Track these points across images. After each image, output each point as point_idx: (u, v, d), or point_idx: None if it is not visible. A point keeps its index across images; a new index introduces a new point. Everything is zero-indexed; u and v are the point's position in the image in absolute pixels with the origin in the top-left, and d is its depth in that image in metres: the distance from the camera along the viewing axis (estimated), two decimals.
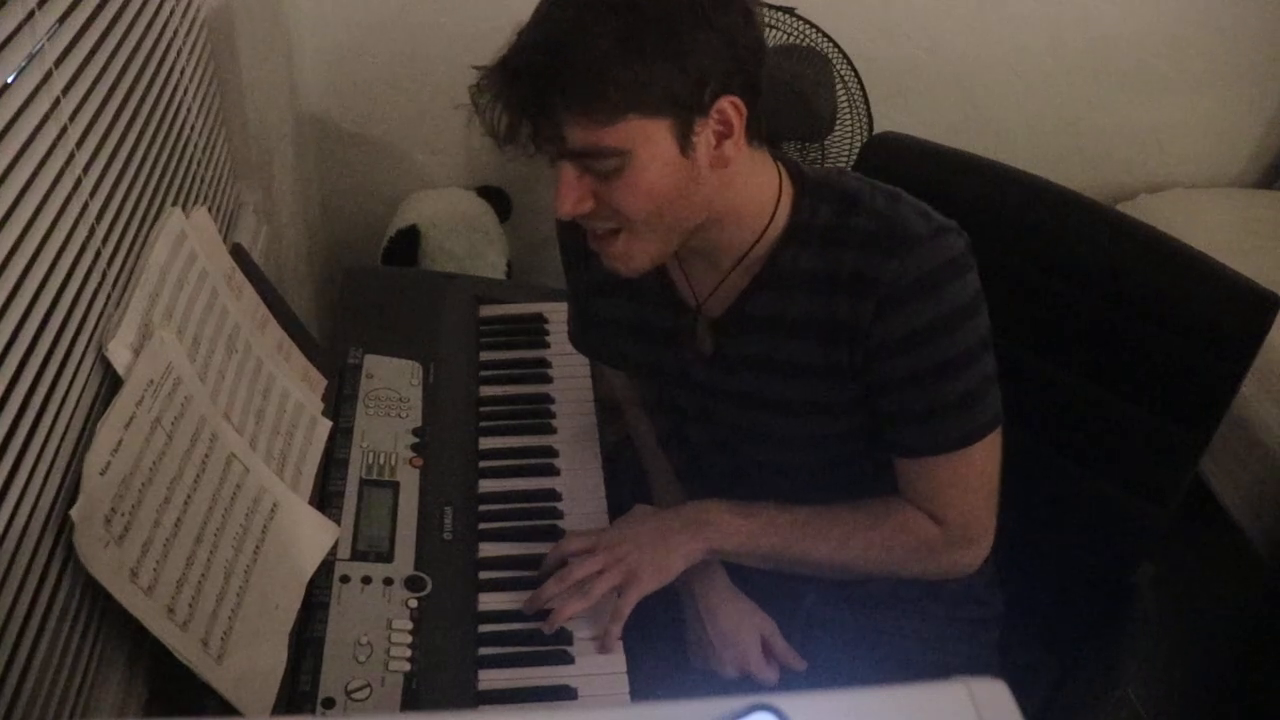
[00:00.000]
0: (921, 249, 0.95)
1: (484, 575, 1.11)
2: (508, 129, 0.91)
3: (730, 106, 0.91)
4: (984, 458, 1.03)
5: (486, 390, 1.35)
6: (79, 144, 0.98)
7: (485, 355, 1.40)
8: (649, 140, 0.89)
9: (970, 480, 1.04)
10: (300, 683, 0.97)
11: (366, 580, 1.06)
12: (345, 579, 1.06)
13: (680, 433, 1.20)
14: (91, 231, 1.01)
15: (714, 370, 1.09)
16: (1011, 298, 1.18)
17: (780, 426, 1.08)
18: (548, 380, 1.37)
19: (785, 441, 1.09)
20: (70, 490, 0.90)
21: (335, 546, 1.09)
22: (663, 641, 1.13)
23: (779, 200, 1.00)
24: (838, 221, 0.99)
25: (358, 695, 0.96)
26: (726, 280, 1.04)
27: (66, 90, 0.97)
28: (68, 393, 0.93)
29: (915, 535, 1.05)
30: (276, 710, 0.93)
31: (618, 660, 1.03)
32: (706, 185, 0.94)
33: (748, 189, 0.99)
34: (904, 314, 0.96)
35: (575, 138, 0.89)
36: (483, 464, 1.24)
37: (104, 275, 1.03)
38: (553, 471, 1.24)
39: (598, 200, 0.94)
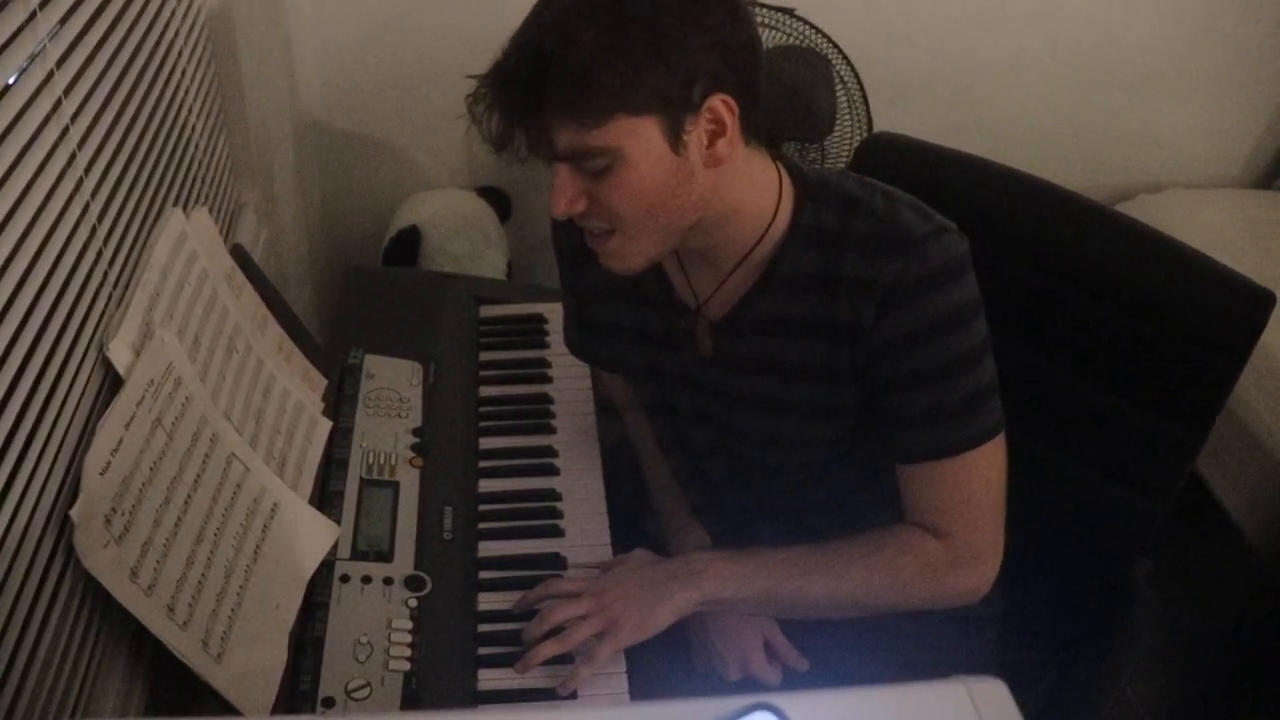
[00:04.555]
0: (922, 249, 0.95)
1: (484, 575, 1.11)
2: (501, 135, 0.92)
3: (721, 105, 0.91)
4: (987, 467, 1.01)
5: (486, 390, 1.35)
6: (80, 145, 0.99)
7: (485, 355, 1.41)
8: (638, 138, 0.89)
9: (973, 490, 1.02)
10: (300, 682, 0.97)
11: (366, 580, 1.06)
12: (345, 578, 1.06)
13: (679, 436, 1.20)
14: (93, 232, 1.01)
15: (714, 372, 1.09)
16: (1009, 297, 1.18)
17: (780, 428, 1.08)
18: (548, 380, 1.37)
19: (785, 443, 1.09)
20: (71, 490, 0.90)
21: (335, 546, 1.09)
22: (663, 641, 1.13)
23: (779, 202, 1.01)
24: (839, 225, 0.99)
25: (358, 695, 0.96)
26: (727, 282, 1.04)
27: (68, 91, 0.97)
28: (69, 393, 0.93)
29: (918, 555, 1.03)
30: (276, 710, 0.94)
31: (618, 660, 1.03)
32: (701, 184, 0.94)
33: (747, 190, 0.99)
34: (906, 314, 0.96)
35: (563, 141, 0.89)
36: (483, 464, 1.25)
37: (105, 276, 1.03)
38: (553, 471, 1.24)
39: (591, 200, 0.94)
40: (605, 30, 0.86)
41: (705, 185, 0.95)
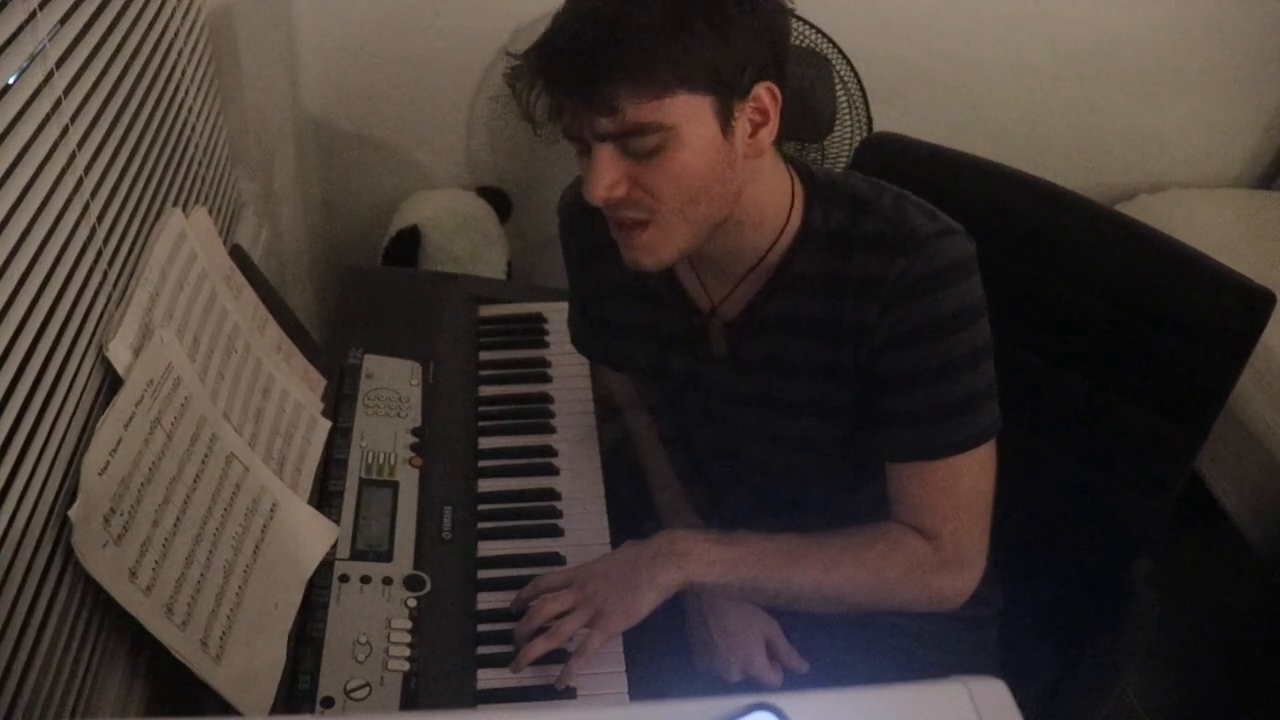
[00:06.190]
0: (927, 248, 0.95)
1: (483, 574, 1.11)
2: (546, 110, 0.91)
3: (766, 93, 0.92)
4: (978, 470, 1.01)
5: (486, 390, 1.35)
6: (80, 145, 0.99)
7: (485, 355, 1.41)
8: (693, 117, 0.89)
9: (963, 493, 1.02)
10: (299, 682, 0.97)
11: (366, 580, 1.06)
12: (344, 578, 1.06)
13: (682, 434, 1.20)
14: (92, 232, 1.01)
15: (723, 372, 1.09)
16: (1009, 297, 1.18)
17: (784, 427, 1.08)
18: (547, 380, 1.37)
19: (788, 442, 1.09)
20: (70, 490, 0.90)
21: (335, 546, 1.09)
22: (663, 641, 1.13)
23: (792, 205, 1.01)
24: (848, 226, 0.99)
25: (357, 694, 0.96)
26: (740, 284, 1.04)
27: (68, 91, 0.97)
28: (68, 393, 0.93)
29: (906, 554, 1.02)
30: (275, 710, 0.94)
31: (617, 659, 1.03)
32: (739, 174, 0.94)
33: (768, 193, 0.99)
34: (908, 311, 0.96)
35: (627, 112, 0.88)
36: (482, 464, 1.25)
37: (104, 275, 1.03)
38: (552, 471, 1.24)
39: (633, 184, 0.92)
40: (672, 3, 0.86)
41: (742, 177, 0.95)
